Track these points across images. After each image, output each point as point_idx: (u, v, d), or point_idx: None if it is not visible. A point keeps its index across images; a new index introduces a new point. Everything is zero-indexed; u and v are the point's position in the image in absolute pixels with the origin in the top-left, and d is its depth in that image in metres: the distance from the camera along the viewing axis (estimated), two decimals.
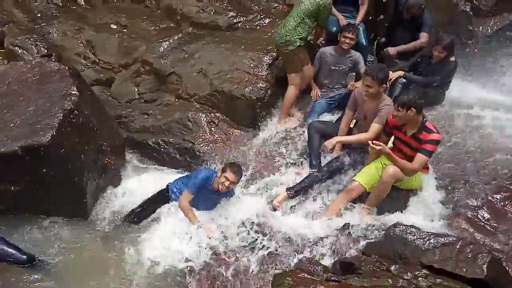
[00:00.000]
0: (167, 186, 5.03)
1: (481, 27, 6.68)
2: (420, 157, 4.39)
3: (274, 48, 6.11)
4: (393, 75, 5.67)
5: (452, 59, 5.75)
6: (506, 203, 4.60)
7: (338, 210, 4.76)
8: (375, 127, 4.74)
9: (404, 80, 5.76)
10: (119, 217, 5.10)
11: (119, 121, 6.12)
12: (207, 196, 4.82)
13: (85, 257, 4.62)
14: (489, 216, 4.52)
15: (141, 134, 6.05)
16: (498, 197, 4.65)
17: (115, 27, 7.11)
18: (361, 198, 4.79)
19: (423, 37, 6.21)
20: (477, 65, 6.73)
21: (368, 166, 4.84)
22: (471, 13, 6.73)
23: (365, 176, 4.73)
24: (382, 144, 4.43)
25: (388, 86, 5.23)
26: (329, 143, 4.93)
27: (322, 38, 6.31)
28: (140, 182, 5.57)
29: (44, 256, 4.48)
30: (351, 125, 5.33)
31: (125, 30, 7.06)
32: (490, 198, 4.64)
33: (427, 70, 5.81)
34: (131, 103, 6.40)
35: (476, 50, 6.71)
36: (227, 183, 4.58)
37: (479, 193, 4.72)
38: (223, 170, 4.65)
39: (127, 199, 5.31)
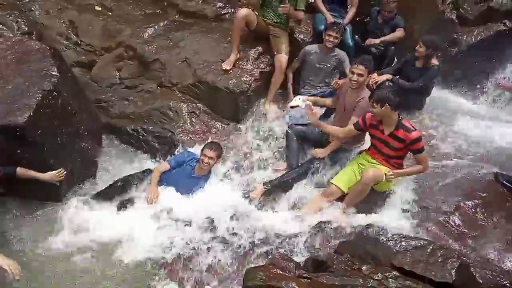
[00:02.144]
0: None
1: (465, 36, 6.72)
2: (421, 156, 4.60)
3: (260, 42, 6.11)
4: (379, 78, 5.71)
5: (436, 63, 5.81)
6: (477, 210, 4.67)
7: (317, 208, 4.79)
8: (354, 120, 4.86)
9: (390, 84, 5.77)
10: (92, 199, 5.02)
11: (98, 105, 6.00)
12: (187, 177, 5.10)
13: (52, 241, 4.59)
14: (460, 222, 4.58)
15: (120, 120, 5.94)
16: (470, 204, 4.71)
17: (100, 9, 6.96)
18: (340, 197, 4.83)
19: (400, 30, 6.49)
20: (459, 73, 6.81)
21: (345, 168, 4.93)
22: (456, 21, 6.77)
23: (343, 179, 4.82)
24: (394, 172, 4.58)
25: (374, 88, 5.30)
26: (321, 153, 5.15)
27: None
28: (115, 168, 5.56)
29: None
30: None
31: (110, 13, 6.92)
32: (462, 204, 4.71)
33: (411, 75, 5.85)
34: (111, 87, 6.26)
35: (459, 58, 6.74)
36: (206, 160, 4.99)
37: (451, 198, 4.79)
38: (202, 150, 5.07)
39: (101, 183, 5.26)
